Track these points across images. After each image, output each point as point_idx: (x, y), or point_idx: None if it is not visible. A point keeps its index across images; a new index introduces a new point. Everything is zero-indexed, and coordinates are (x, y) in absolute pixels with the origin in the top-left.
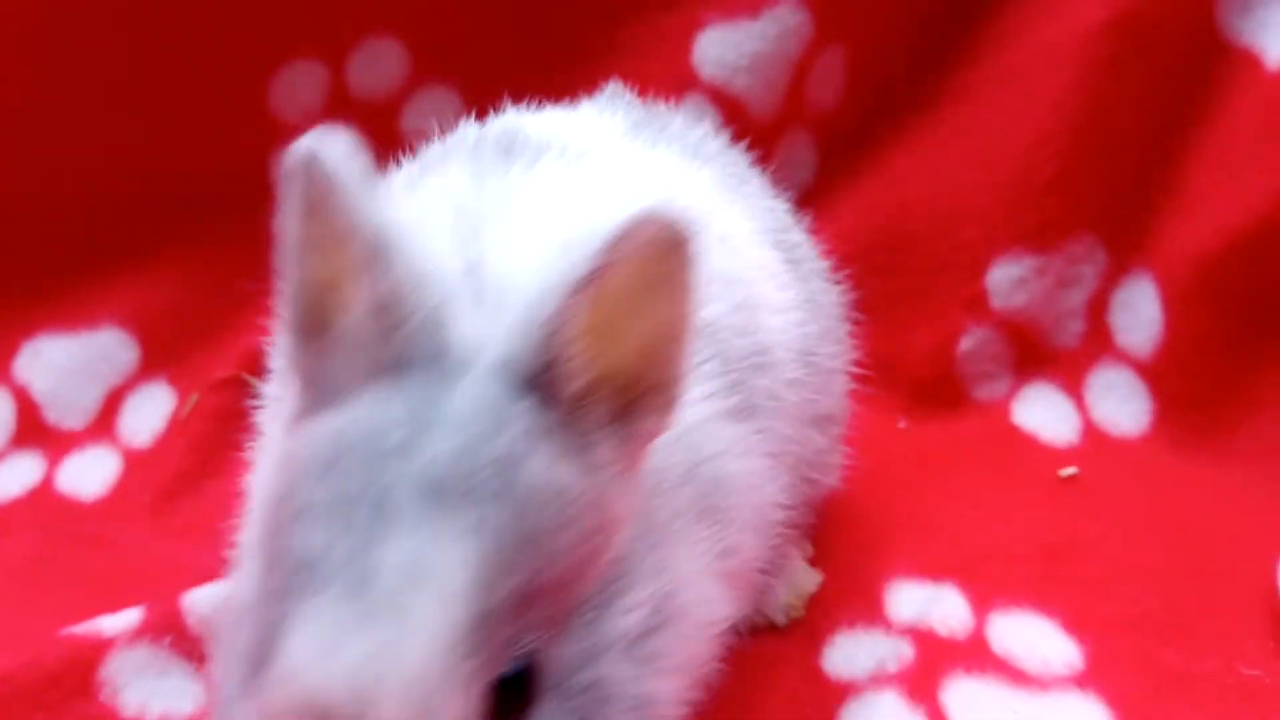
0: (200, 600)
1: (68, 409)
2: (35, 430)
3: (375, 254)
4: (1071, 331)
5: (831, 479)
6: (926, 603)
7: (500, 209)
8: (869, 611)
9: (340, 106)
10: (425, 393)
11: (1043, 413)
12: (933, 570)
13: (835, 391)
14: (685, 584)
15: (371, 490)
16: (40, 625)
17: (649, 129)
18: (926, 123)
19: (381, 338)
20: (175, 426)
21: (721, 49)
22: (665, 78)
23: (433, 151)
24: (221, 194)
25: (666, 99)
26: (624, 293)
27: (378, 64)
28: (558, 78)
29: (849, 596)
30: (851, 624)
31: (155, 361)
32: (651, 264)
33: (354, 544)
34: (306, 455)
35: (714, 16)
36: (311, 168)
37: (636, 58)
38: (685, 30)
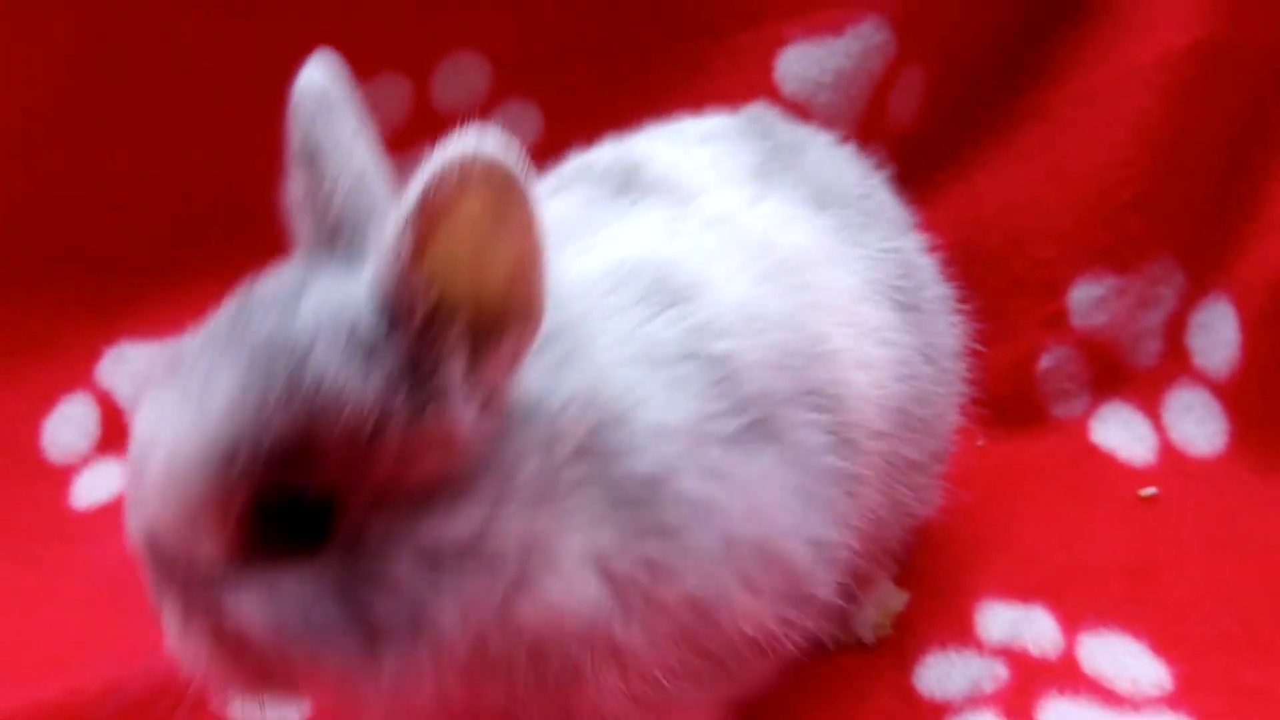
0: None
1: None
2: (120, 436)
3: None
4: (1149, 351)
5: (926, 510)
6: (1017, 623)
7: (581, 234)
8: (959, 632)
9: (423, 120)
10: (304, 273)
11: (1120, 432)
12: (1021, 590)
13: (940, 434)
14: (547, 554)
15: (224, 323)
16: (138, 633)
17: (778, 166)
18: (1005, 141)
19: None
20: None
21: (804, 65)
22: (746, 93)
23: (569, 169)
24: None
25: None
26: (463, 226)
27: (461, 79)
28: (638, 93)
29: (937, 616)
30: (943, 644)
31: None
32: (488, 199)
33: (196, 357)
34: None
35: (796, 34)
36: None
37: (717, 73)
38: (767, 47)
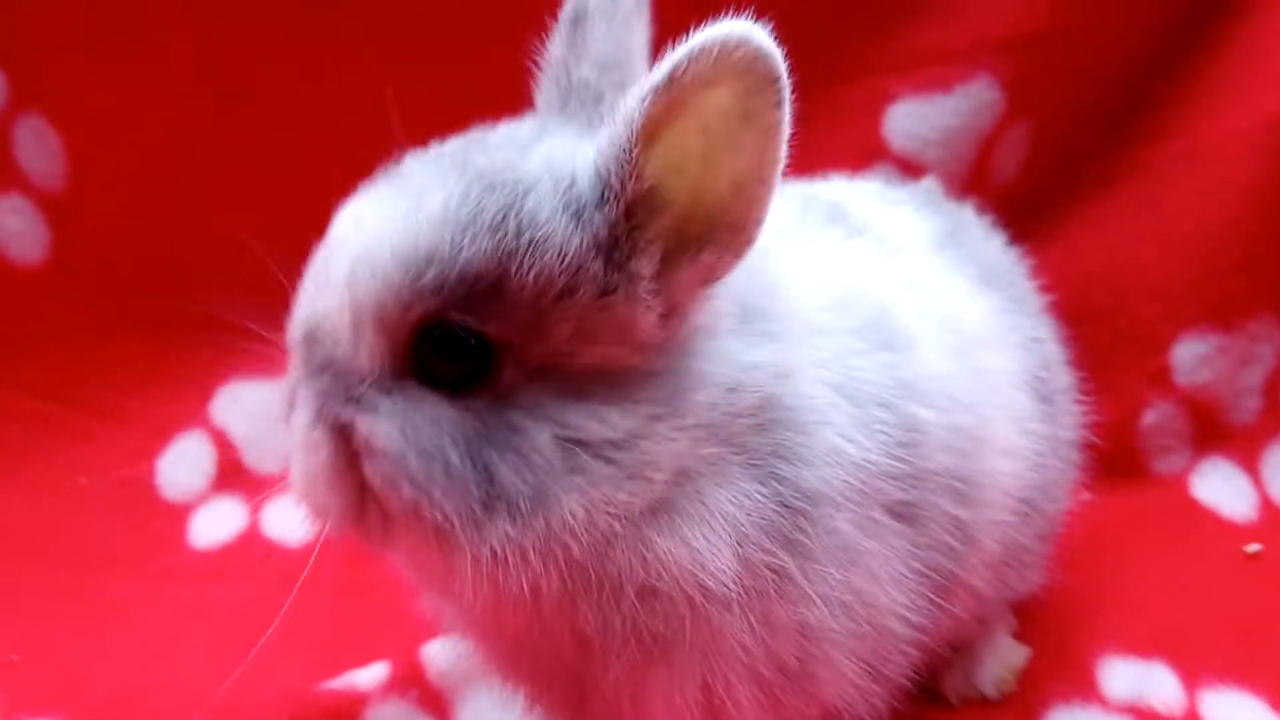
0: (438, 654)
1: (265, 453)
2: (236, 475)
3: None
4: (1248, 408)
5: (1030, 586)
6: (1139, 679)
7: (798, 240)
8: (1083, 687)
9: None
10: (539, 129)
11: (1221, 488)
12: (1139, 646)
13: (1054, 519)
14: (699, 495)
15: (451, 148)
16: (277, 675)
17: (953, 242)
18: (1108, 198)
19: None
20: None
21: (913, 122)
22: (852, 148)
23: None
24: None
25: (853, 169)
26: (706, 112)
27: None
28: None
29: (1059, 671)
30: (1068, 699)
31: None
32: (741, 91)
33: (414, 169)
34: None
35: (904, 90)
36: None
37: (823, 128)
38: (874, 103)
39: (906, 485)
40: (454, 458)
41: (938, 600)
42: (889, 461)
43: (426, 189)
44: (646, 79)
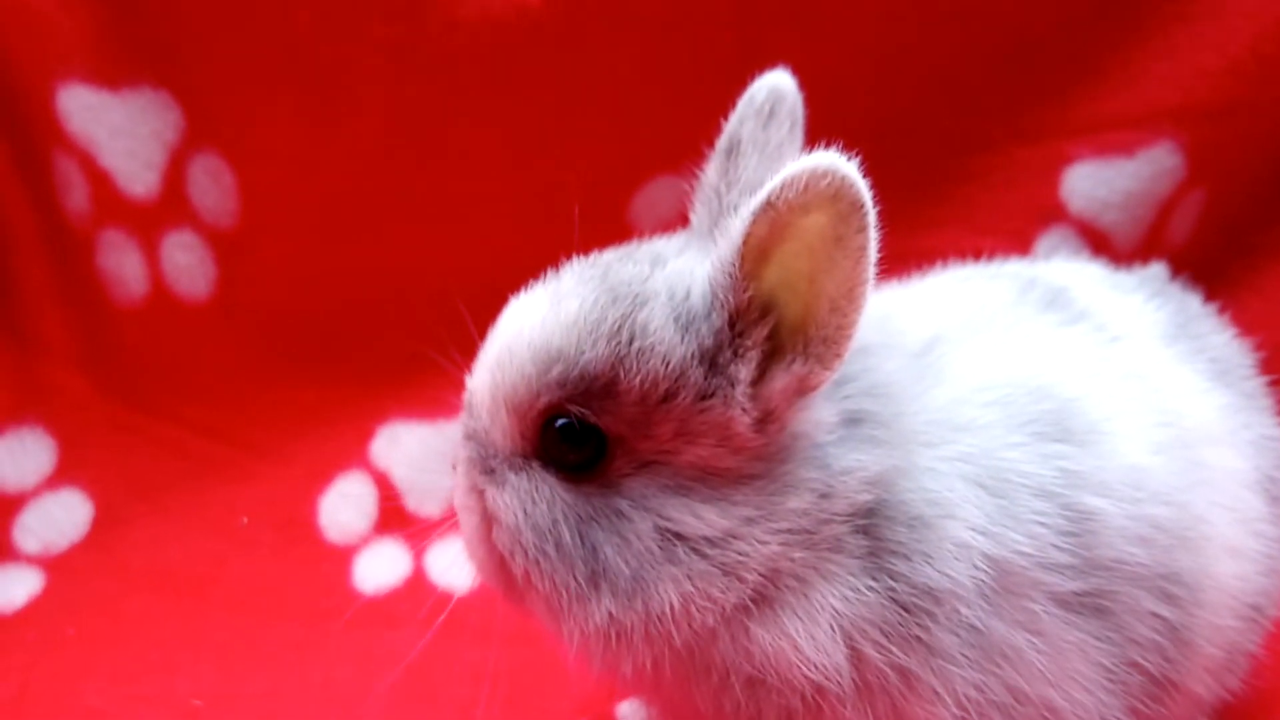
0: (631, 714)
1: (425, 496)
2: (398, 518)
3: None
4: None
5: (1238, 682)
6: None
7: (990, 330)
8: None
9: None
10: (682, 246)
11: None
12: None
13: (1273, 621)
14: (798, 592)
15: (606, 258)
16: None
17: (1185, 334)
18: (1276, 265)
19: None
20: None
21: (1093, 184)
22: (1030, 208)
23: (987, 269)
24: None
25: (1030, 229)
26: (804, 235)
27: None
28: (916, 203)
29: None
30: None
31: None
32: (832, 216)
33: (570, 275)
34: None
35: (1084, 153)
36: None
37: (1001, 187)
38: (1052, 164)
39: (1079, 575)
40: (565, 535)
41: (1149, 704)
42: (1050, 551)
43: (568, 294)
44: (749, 202)
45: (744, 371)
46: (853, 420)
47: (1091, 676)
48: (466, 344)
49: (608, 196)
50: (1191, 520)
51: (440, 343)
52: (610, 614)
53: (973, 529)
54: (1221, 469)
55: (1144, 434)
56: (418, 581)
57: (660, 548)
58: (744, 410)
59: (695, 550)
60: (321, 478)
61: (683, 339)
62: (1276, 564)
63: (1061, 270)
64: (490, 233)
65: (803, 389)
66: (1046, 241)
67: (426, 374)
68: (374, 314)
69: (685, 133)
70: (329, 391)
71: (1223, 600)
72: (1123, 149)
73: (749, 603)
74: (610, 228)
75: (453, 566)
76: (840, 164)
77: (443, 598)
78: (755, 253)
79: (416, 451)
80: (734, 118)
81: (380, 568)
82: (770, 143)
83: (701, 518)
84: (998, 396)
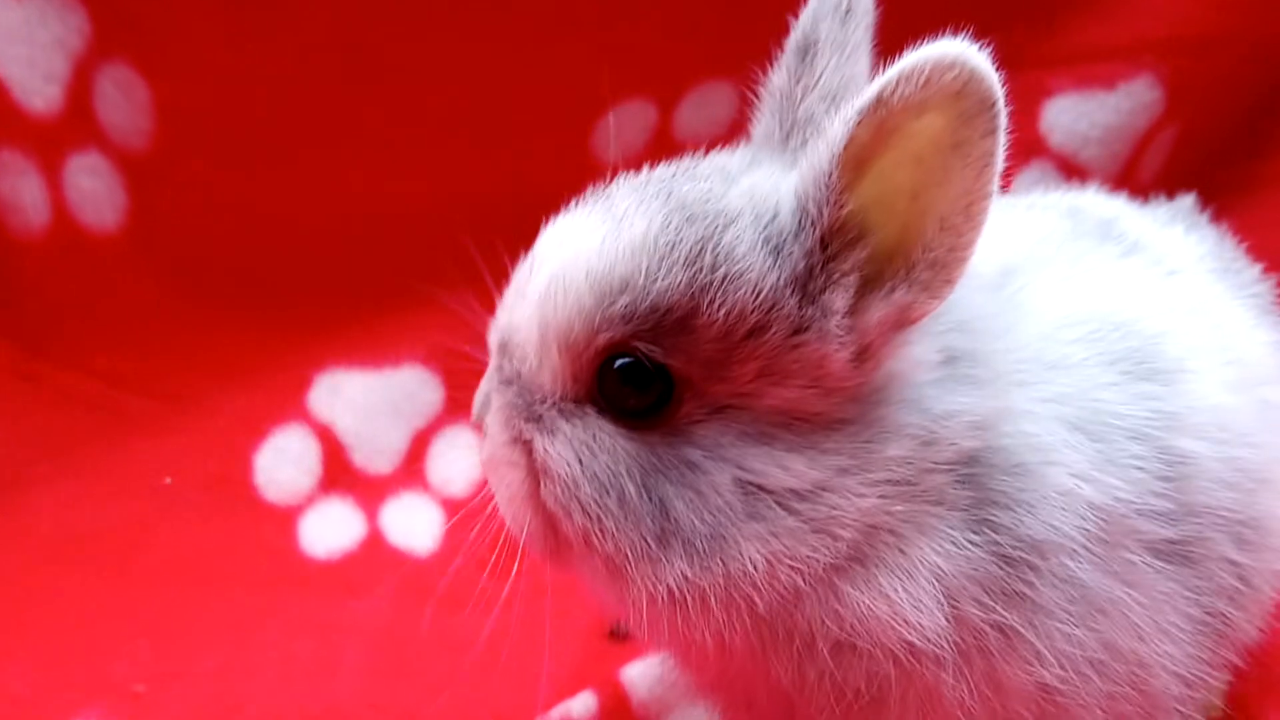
0: (640, 678)
1: (374, 450)
2: (347, 475)
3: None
4: None
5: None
6: None
7: (1059, 264)
8: None
9: (662, 150)
10: (750, 161)
11: None
12: None
13: None
14: (897, 549)
15: (659, 175)
16: (472, 706)
17: (1227, 269)
18: (1250, 207)
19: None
20: None
21: (1073, 118)
22: (1008, 142)
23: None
24: (529, 230)
25: (1009, 165)
26: (917, 141)
27: (709, 109)
28: None
29: (1269, 691)
30: None
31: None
32: (955, 118)
33: (621, 194)
34: None
35: (1065, 85)
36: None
37: None
38: (1033, 97)
39: (1173, 522)
40: (629, 489)
41: (1216, 651)
42: (1148, 498)
43: (628, 214)
44: (853, 101)
45: (840, 300)
46: (950, 359)
47: (1182, 627)
48: (405, 284)
49: (569, 122)
50: (1268, 463)
51: (384, 280)
52: (685, 576)
53: (1076, 476)
54: (1278, 408)
55: (1217, 373)
56: (374, 544)
57: (741, 502)
58: (840, 345)
59: (782, 504)
60: (254, 431)
61: (775, 264)
62: None
63: (1100, 201)
64: (439, 159)
65: (904, 321)
66: (1026, 176)
67: (369, 315)
68: (309, 248)
69: (656, 54)
70: (259, 335)
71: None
72: (1103, 82)
73: (842, 561)
74: (571, 157)
75: (413, 526)
76: (970, 54)
77: (405, 561)
78: (855, 161)
79: (361, 402)
80: (806, 15)
81: (330, 530)
82: (849, 43)
83: (788, 468)
84: (1084, 333)
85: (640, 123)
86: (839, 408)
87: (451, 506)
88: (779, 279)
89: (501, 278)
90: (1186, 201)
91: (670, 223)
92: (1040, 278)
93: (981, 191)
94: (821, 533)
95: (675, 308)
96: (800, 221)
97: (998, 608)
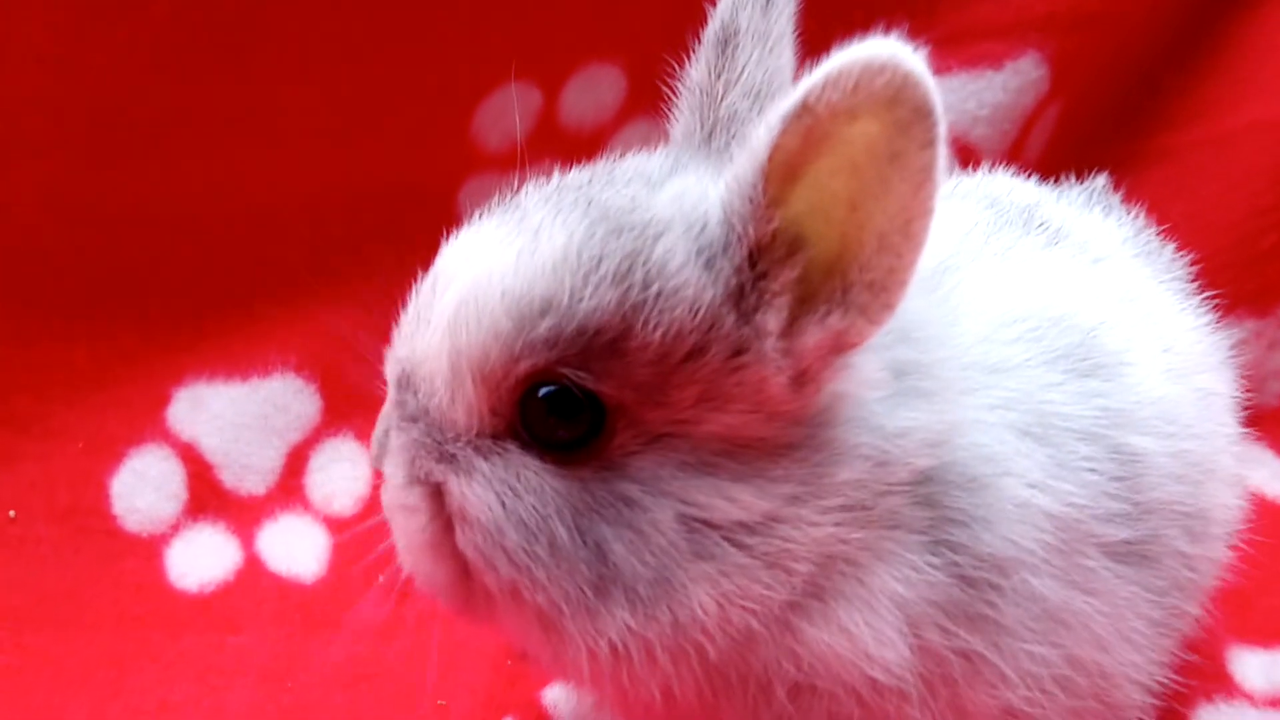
0: (562, 700)
1: (244, 469)
2: (215, 497)
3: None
4: (1273, 391)
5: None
6: (1271, 669)
7: (984, 258)
8: (1223, 683)
9: (547, 136)
10: (672, 164)
11: (1258, 470)
12: (1265, 637)
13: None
14: (855, 579)
15: (574, 181)
16: None
17: (1146, 251)
18: (1133, 184)
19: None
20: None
21: (962, 97)
22: None
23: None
24: (406, 223)
25: None
26: (850, 148)
27: (594, 93)
28: None
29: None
30: (1210, 698)
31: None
32: (890, 124)
33: (532, 203)
34: None
35: (953, 64)
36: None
37: None
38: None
39: (1129, 523)
40: (560, 532)
41: (1173, 652)
42: (1102, 500)
43: (545, 226)
44: (777, 107)
45: (772, 321)
46: (898, 373)
47: (1143, 632)
48: (270, 288)
49: (448, 107)
50: (1213, 452)
51: (247, 283)
52: (628, 627)
53: (1031, 485)
54: (1217, 395)
55: (1155, 362)
56: (252, 572)
57: (686, 540)
58: (777, 369)
59: (730, 540)
60: (108, 454)
61: (711, 281)
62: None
63: (1015, 186)
64: (303, 148)
65: (840, 346)
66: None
67: (232, 321)
68: (162, 250)
69: (538, 34)
70: (108, 348)
71: (1220, 532)
72: (991, 60)
73: (798, 597)
74: (450, 145)
75: (294, 550)
76: (902, 56)
77: (287, 589)
78: (783, 170)
79: (228, 416)
80: (725, 4)
81: (200, 559)
82: (771, 34)
83: (735, 500)
84: (1022, 331)
85: (524, 107)
86: (784, 432)
87: (336, 525)
88: (716, 296)
89: (377, 275)
90: (1099, 182)
91: (594, 234)
92: (971, 274)
93: (921, 208)
94: (775, 568)
95: (605, 329)
96: (727, 236)
97: (960, 632)
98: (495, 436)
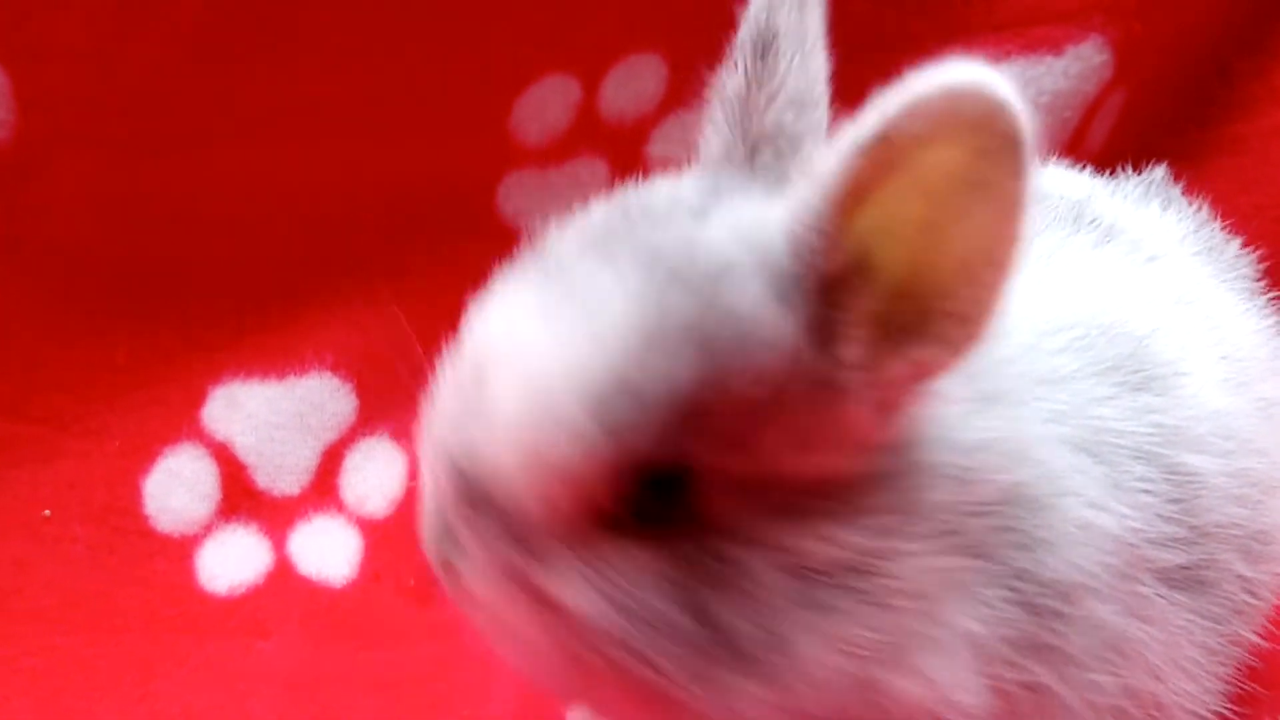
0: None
1: (278, 470)
2: (248, 499)
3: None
4: None
5: None
6: None
7: (1032, 259)
8: None
9: (588, 130)
10: (710, 188)
11: None
12: None
13: None
14: (934, 616)
15: (602, 222)
16: None
17: (1206, 247)
18: (1196, 173)
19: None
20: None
21: (1022, 84)
22: None
23: None
24: (446, 220)
25: None
26: (929, 177)
27: (635, 83)
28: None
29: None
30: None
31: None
32: (975, 152)
33: (570, 257)
34: None
35: (1013, 50)
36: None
37: None
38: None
39: (1185, 547)
40: (667, 611)
41: (1228, 679)
42: (1158, 523)
43: (594, 285)
44: (850, 132)
45: (853, 353)
46: (968, 379)
47: (1199, 661)
48: (307, 287)
49: (485, 101)
50: (1273, 468)
51: (284, 281)
52: (749, 693)
53: (1091, 504)
54: (1277, 405)
55: (1212, 372)
56: (282, 575)
57: (790, 590)
58: (859, 402)
59: (833, 583)
60: (144, 454)
61: (787, 315)
62: None
63: (1067, 179)
64: (339, 147)
65: (923, 374)
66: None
67: (269, 320)
68: (199, 249)
69: (577, 25)
70: (145, 347)
71: None
72: (1052, 45)
73: (890, 639)
74: (488, 140)
75: (326, 553)
76: (989, 82)
77: (318, 593)
78: (851, 198)
79: (263, 416)
80: (759, 5)
81: (231, 562)
82: (808, 35)
83: (831, 539)
84: (1070, 340)
85: (563, 99)
86: (871, 462)
87: (369, 528)
88: (792, 333)
89: (415, 272)
90: (1158, 174)
91: (653, 287)
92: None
93: (1009, 236)
94: (881, 606)
95: (683, 394)
96: (797, 269)
97: (1028, 664)
98: (579, 525)
